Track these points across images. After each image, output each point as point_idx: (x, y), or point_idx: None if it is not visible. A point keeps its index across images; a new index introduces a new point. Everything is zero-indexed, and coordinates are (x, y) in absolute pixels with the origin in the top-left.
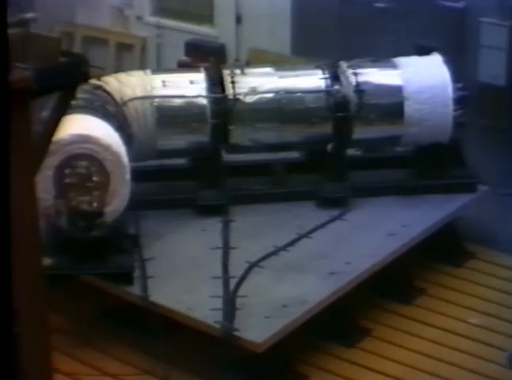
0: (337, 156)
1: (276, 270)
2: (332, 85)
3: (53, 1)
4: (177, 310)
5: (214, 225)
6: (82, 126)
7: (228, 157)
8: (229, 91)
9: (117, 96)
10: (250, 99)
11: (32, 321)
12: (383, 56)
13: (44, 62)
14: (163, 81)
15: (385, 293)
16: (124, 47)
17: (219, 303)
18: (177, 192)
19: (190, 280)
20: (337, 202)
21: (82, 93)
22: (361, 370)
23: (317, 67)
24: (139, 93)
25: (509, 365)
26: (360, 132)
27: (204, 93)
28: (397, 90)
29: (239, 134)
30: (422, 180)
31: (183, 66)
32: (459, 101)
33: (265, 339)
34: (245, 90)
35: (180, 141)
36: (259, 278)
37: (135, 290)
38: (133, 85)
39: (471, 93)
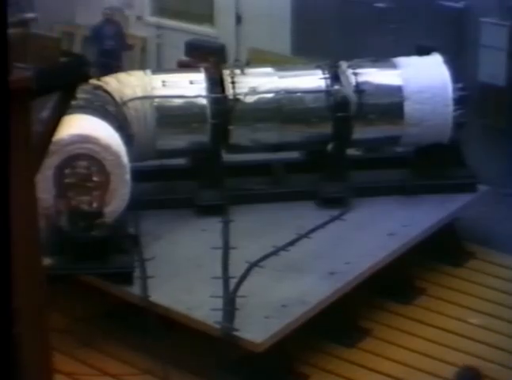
0: (337, 156)
1: (276, 270)
2: (332, 85)
3: (53, 1)
4: (177, 310)
5: (214, 225)
6: (82, 126)
7: (228, 157)
8: (229, 91)
9: (117, 97)
10: (250, 99)
11: (32, 320)
12: (383, 56)
13: (44, 62)
14: (163, 81)
15: (385, 293)
16: None
17: (219, 303)
18: (177, 192)
19: (190, 280)
20: (337, 202)
21: (82, 93)
22: (361, 370)
23: (317, 67)
24: (139, 93)
25: None
26: (360, 132)
27: (204, 93)
28: (397, 90)
29: (239, 134)
30: (422, 180)
31: (183, 66)
32: (459, 101)
33: (264, 339)
34: (245, 90)
35: (180, 141)
36: (259, 278)
37: (135, 290)
38: (133, 85)
39: (471, 93)
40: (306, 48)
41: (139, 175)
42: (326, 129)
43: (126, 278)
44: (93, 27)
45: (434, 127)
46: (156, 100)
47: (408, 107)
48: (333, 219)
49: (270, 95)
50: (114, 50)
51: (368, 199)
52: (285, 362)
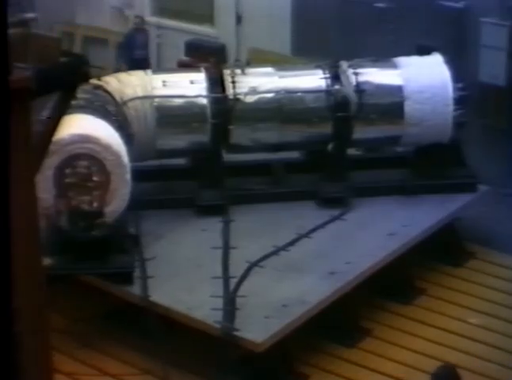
0: (337, 156)
1: (276, 270)
2: (332, 85)
3: (53, 1)
4: (178, 310)
5: (214, 225)
6: (82, 126)
7: (228, 157)
8: (229, 91)
9: (117, 96)
10: (250, 99)
11: (32, 320)
12: (383, 56)
13: (44, 62)
14: (163, 81)
15: (385, 293)
16: None
17: (219, 303)
18: (177, 192)
19: (190, 280)
20: (337, 202)
21: (82, 93)
22: (362, 371)
23: (317, 67)
24: (140, 93)
25: None
26: (360, 132)
27: (204, 92)
28: (397, 90)
29: (239, 134)
30: (422, 180)
31: (183, 66)
32: (459, 101)
33: (264, 339)
34: (245, 90)
35: (180, 141)
36: (259, 278)
37: (136, 290)
38: (133, 84)
39: (471, 93)
40: (306, 48)
41: (139, 175)
42: (327, 129)
43: (126, 278)
44: (124, 35)
45: (434, 126)
46: (156, 99)
47: (408, 107)
48: (333, 219)
49: (270, 95)
50: (145, 59)
51: (368, 199)
52: (285, 362)
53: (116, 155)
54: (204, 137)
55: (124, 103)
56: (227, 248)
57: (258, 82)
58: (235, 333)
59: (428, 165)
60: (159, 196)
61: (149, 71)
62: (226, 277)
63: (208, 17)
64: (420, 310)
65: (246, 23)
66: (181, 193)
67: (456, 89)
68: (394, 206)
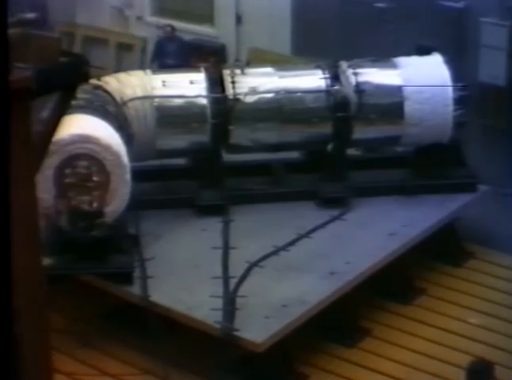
0: (337, 156)
1: (276, 270)
2: (332, 85)
3: (53, 1)
4: (177, 310)
5: (214, 225)
6: (82, 126)
7: (228, 157)
8: (229, 91)
9: (117, 96)
10: (250, 99)
11: (32, 320)
12: (383, 56)
13: (44, 62)
14: (163, 81)
15: (385, 293)
16: (124, 47)
17: (219, 303)
18: (177, 192)
19: (190, 280)
20: (337, 202)
21: (82, 93)
22: (362, 371)
23: (317, 67)
24: (140, 93)
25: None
26: (360, 132)
27: (204, 93)
28: (397, 90)
29: (239, 134)
30: (422, 180)
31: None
32: (459, 101)
33: (264, 339)
34: (245, 90)
35: (180, 141)
36: (259, 278)
37: (136, 290)
38: (133, 85)
39: (471, 93)
40: (306, 48)
41: (139, 175)
42: (326, 129)
43: (126, 278)
44: (156, 42)
45: (434, 126)
46: (156, 100)
47: (408, 107)
48: (333, 219)
49: (270, 95)
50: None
51: (368, 199)
52: (285, 362)
53: (116, 155)
54: (204, 137)
55: (124, 103)
56: (226, 248)
57: (258, 82)
58: (235, 333)
59: (428, 165)
60: (159, 196)
61: (149, 71)
62: (226, 277)
63: (208, 17)
64: (420, 310)
65: (246, 23)
66: (181, 193)
67: (456, 89)
68: (394, 206)
